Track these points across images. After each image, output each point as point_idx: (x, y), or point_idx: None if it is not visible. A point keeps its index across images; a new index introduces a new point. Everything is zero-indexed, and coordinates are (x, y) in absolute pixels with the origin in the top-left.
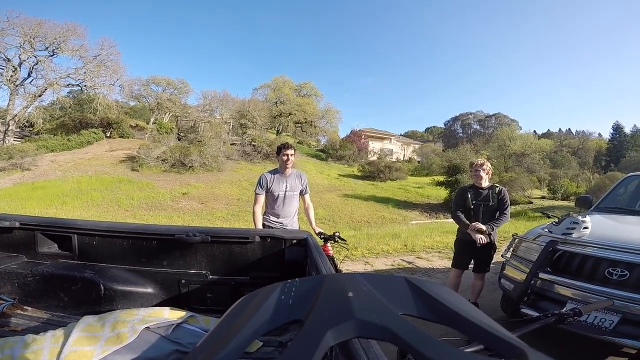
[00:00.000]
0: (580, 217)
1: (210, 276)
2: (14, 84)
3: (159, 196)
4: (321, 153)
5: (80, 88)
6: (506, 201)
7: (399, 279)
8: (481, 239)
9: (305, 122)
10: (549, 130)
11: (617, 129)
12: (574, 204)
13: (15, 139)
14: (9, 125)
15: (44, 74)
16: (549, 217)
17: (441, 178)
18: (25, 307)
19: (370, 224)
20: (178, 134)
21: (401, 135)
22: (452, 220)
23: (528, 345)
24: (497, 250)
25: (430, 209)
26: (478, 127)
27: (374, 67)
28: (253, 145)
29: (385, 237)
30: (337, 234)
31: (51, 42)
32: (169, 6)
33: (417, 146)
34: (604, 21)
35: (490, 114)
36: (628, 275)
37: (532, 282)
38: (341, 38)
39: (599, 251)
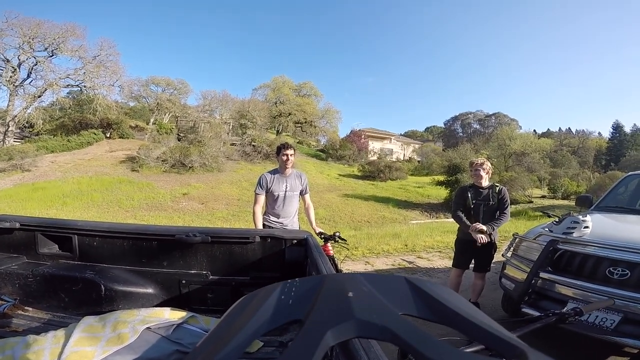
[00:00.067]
0: (580, 217)
1: (211, 276)
2: (14, 85)
3: (159, 197)
4: (321, 153)
5: (79, 89)
6: (506, 200)
7: (399, 279)
8: (482, 238)
9: (305, 122)
10: (548, 129)
11: (617, 128)
12: (574, 203)
13: (15, 140)
14: (8, 126)
15: (44, 75)
16: (549, 216)
17: (441, 178)
18: (26, 308)
19: (371, 223)
20: (178, 135)
21: (401, 135)
22: (452, 219)
23: (528, 345)
24: (497, 249)
25: (431, 208)
26: (478, 126)
27: (374, 67)
28: (253, 145)
29: (385, 237)
30: (337, 233)
31: (50, 42)
32: (169, 6)
33: (417, 146)
34: (603, 20)
35: (490, 113)
36: (629, 274)
37: (533, 281)
38: (341, 38)
39: (600, 250)
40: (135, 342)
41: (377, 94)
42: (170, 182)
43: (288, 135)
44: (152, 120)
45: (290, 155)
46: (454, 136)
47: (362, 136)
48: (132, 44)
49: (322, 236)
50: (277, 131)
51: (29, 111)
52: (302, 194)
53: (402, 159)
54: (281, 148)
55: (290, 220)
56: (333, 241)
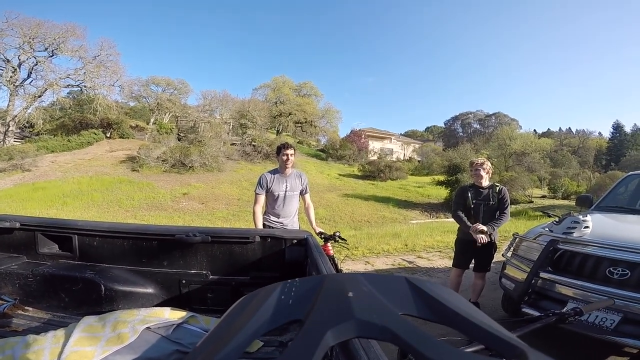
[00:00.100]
0: (581, 216)
1: (211, 276)
2: (14, 85)
3: (160, 196)
4: (321, 153)
5: (80, 89)
6: (506, 200)
7: (399, 279)
8: (482, 238)
9: (305, 122)
10: (549, 129)
11: (618, 127)
12: (574, 203)
13: (16, 140)
14: (9, 126)
15: (44, 75)
16: (549, 216)
17: (441, 177)
18: (26, 308)
19: (371, 223)
20: (178, 134)
21: (401, 134)
22: (452, 219)
23: (528, 345)
24: (497, 249)
25: (431, 208)
26: (478, 126)
27: (374, 67)
28: (253, 145)
29: (385, 237)
30: (337, 233)
31: (50, 42)
32: (169, 6)
33: (417, 145)
34: (603, 20)
35: (490, 113)
36: (629, 274)
37: (533, 281)
38: (341, 38)
39: (600, 250)
40: (135, 342)
41: (377, 94)
42: (171, 182)
43: (288, 135)
44: (152, 120)
45: (291, 155)
46: (454, 136)
47: (362, 136)
48: (132, 44)
49: (322, 236)
50: (277, 131)
51: (29, 111)
52: (302, 193)
53: (402, 158)
54: (281, 148)
55: (291, 220)
56: (333, 241)
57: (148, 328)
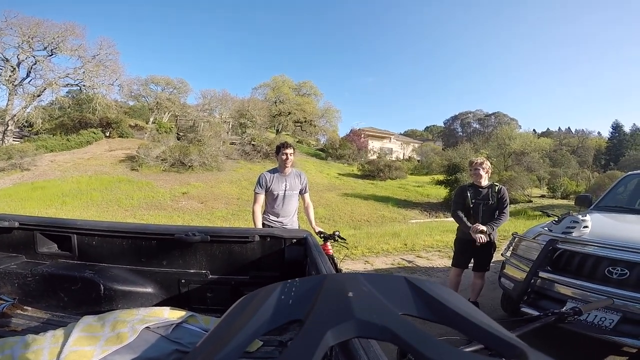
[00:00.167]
0: (580, 216)
1: (210, 276)
2: (13, 84)
3: (159, 196)
4: (321, 152)
5: (79, 88)
6: (506, 200)
7: (399, 278)
8: (481, 238)
9: (305, 122)
10: (548, 129)
11: (617, 127)
12: (573, 203)
13: (15, 139)
14: (8, 126)
15: (43, 74)
16: (548, 215)
17: (441, 177)
18: (25, 307)
19: (370, 223)
20: (177, 134)
21: (401, 134)
22: (452, 219)
23: (528, 345)
24: (497, 249)
25: (430, 207)
26: (478, 126)
27: (373, 67)
28: (252, 144)
29: (385, 236)
30: (337, 233)
31: (50, 42)
32: (169, 6)
33: (416, 145)
34: (603, 20)
35: (490, 112)
36: (628, 274)
37: (532, 281)
38: (341, 38)
39: (599, 250)
40: (134, 342)
41: (377, 93)
42: (170, 181)
43: (288, 134)
44: (151, 119)
45: (290, 154)
46: (453, 135)
47: (362, 135)
48: (132, 44)
49: (322, 235)
50: (277, 130)
51: (28, 110)
52: (301, 193)
53: (401, 158)
54: (281, 147)
55: (290, 220)
56: (333, 240)
57: (147, 328)
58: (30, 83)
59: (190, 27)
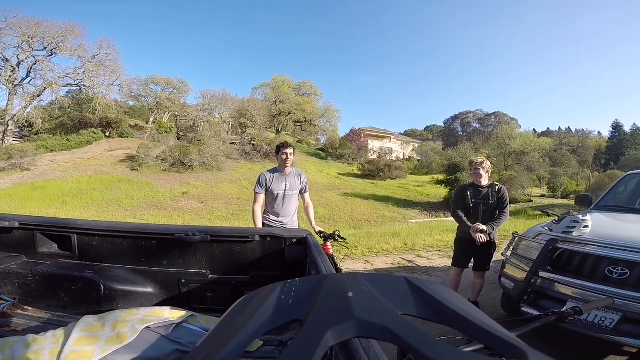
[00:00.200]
0: (580, 216)
1: (210, 275)
2: (13, 84)
3: (159, 196)
4: (321, 152)
5: (79, 88)
6: (506, 200)
7: (399, 278)
8: (481, 237)
9: (305, 121)
10: (548, 128)
11: (617, 127)
12: (573, 203)
13: (15, 139)
14: (8, 126)
15: (43, 74)
16: (549, 215)
17: (441, 177)
18: (25, 307)
19: (370, 222)
20: (177, 134)
21: (401, 134)
22: (452, 218)
23: (528, 345)
24: (497, 248)
25: (430, 207)
26: (478, 125)
27: (373, 67)
28: (253, 144)
29: (385, 236)
30: (337, 232)
31: (49, 42)
32: (169, 6)
33: (416, 145)
34: (603, 20)
35: (490, 112)
36: (628, 273)
37: (533, 280)
38: (341, 38)
39: (599, 250)
40: (134, 342)
41: (377, 93)
42: (170, 181)
43: (288, 134)
44: (151, 119)
45: (290, 154)
46: (453, 135)
47: (362, 135)
48: (132, 44)
49: (322, 235)
50: (277, 130)
51: (28, 110)
52: (301, 192)
53: (401, 158)
54: (281, 147)
55: (290, 219)
56: (333, 240)
57: (147, 327)
58: (30, 83)
59: (190, 27)
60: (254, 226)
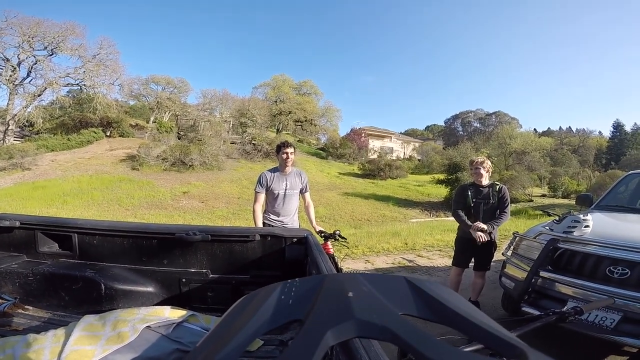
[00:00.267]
0: (581, 216)
1: (211, 275)
2: (13, 84)
3: (160, 195)
4: (321, 151)
5: (79, 87)
6: (506, 199)
7: (399, 278)
8: (481, 237)
9: (305, 121)
10: (549, 128)
11: (618, 127)
12: (574, 202)
13: (15, 139)
14: (8, 125)
15: (43, 74)
16: (549, 215)
17: (441, 176)
18: (26, 307)
19: (371, 222)
20: (178, 133)
21: (401, 133)
22: (452, 218)
23: (528, 345)
24: (497, 248)
25: (431, 207)
26: (478, 125)
27: (373, 67)
28: (253, 143)
29: (385, 236)
30: (337, 232)
31: (50, 41)
32: (169, 6)
33: (417, 144)
34: (603, 20)
35: (491, 112)
36: (629, 273)
37: (533, 280)
38: (341, 38)
39: (600, 249)
40: (135, 341)
41: (378, 93)
42: (171, 181)
43: (288, 133)
44: (152, 118)
45: (290, 153)
46: (454, 135)
47: (362, 134)
48: (132, 43)
49: (322, 234)
50: (277, 130)
51: (29, 110)
52: (302, 192)
53: (402, 157)
54: (281, 146)
55: (291, 219)
56: (333, 239)
57: (148, 327)
58: (31, 83)
59: (190, 27)
60: (254, 225)
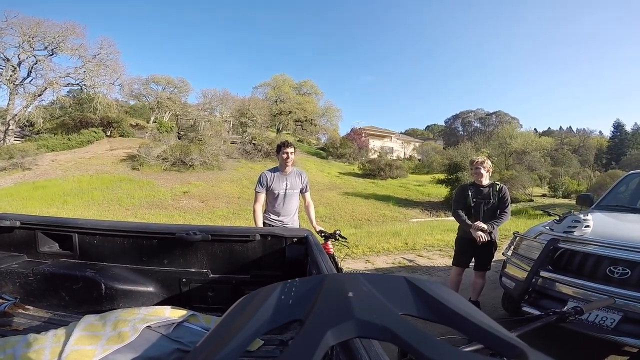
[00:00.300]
0: (581, 215)
1: (211, 275)
2: (14, 84)
3: (160, 195)
4: (321, 151)
5: (80, 87)
6: (507, 199)
7: (399, 279)
8: (481, 237)
9: (306, 121)
10: (549, 128)
11: (618, 126)
12: (575, 202)
13: (16, 139)
14: (9, 125)
15: (44, 74)
16: (550, 215)
17: (442, 176)
18: (26, 307)
19: (371, 222)
20: (178, 133)
21: (401, 133)
22: (452, 218)
23: (528, 345)
24: (498, 248)
25: (431, 206)
26: (479, 125)
27: (373, 66)
28: (253, 143)
29: (386, 235)
30: (337, 232)
31: (50, 41)
32: (169, 6)
33: (417, 144)
34: (603, 20)
35: (491, 112)
36: (629, 273)
37: (534, 280)
38: (341, 38)
39: (601, 249)
40: (135, 341)
41: (378, 93)
42: (171, 181)
43: (288, 133)
44: (152, 118)
45: (291, 153)
46: (454, 134)
47: (363, 134)
48: (132, 43)
49: (323, 234)
50: (278, 129)
51: (29, 110)
52: (302, 192)
53: (402, 157)
54: (281, 146)
55: (291, 219)
56: (333, 239)
57: (148, 327)
58: (31, 83)
59: (190, 27)
60: (254, 225)
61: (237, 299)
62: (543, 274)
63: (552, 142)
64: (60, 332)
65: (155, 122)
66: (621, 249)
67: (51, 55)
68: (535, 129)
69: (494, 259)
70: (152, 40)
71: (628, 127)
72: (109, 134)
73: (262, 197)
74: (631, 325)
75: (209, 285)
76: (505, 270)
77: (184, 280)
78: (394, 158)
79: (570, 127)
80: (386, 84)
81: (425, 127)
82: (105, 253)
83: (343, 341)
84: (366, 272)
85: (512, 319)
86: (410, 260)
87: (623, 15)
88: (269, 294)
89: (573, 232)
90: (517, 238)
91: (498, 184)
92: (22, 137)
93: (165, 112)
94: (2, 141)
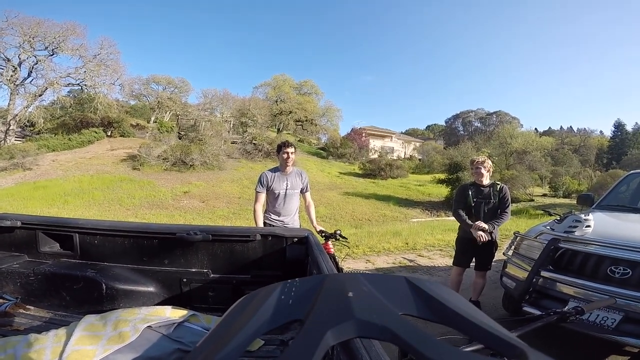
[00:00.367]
0: (582, 215)
1: (212, 275)
2: (14, 84)
3: (160, 195)
4: (322, 151)
5: (80, 87)
6: (507, 199)
7: (399, 278)
8: (482, 237)
9: (306, 120)
10: (550, 127)
11: (619, 126)
12: (575, 202)
13: (16, 139)
14: (9, 125)
15: (44, 74)
16: (550, 214)
17: (442, 176)
18: (27, 307)
19: (372, 221)
20: (179, 133)
21: (402, 133)
22: (453, 218)
23: (528, 345)
24: (498, 248)
25: (432, 206)
26: (479, 124)
27: (374, 66)
28: (254, 143)
29: (386, 235)
30: (338, 232)
31: (51, 41)
32: (169, 6)
33: (418, 144)
34: (603, 20)
35: (491, 111)
36: (630, 273)
37: (534, 280)
38: (341, 38)
39: (601, 249)
40: (136, 341)
41: (378, 93)
42: (171, 181)
43: (289, 133)
44: (152, 118)
45: (291, 153)
46: (455, 134)
47: (363, 134)
48: (133, 43)
49: (323, 234)
50: (278, 129)
51: (29, 110)
52: (302, 192)
53: (402, 157)
54: (282, 146)
55: (291, 219)
56: (334, 239)
57: (149, 327)
58: (32, 83)
59: (190, 27)
60: (255, 225)
61: (237, 299)
62: (544, 273)
63: (553, 142)
64: (61, 332)
65: (155, 122)
66: (622, 248)
67: (52, 55)
68: (535, 128)
69: (494, 259)
70: (152, 40)
71: (629, 127)
72: (109, 134)
73: (263, 197)
74: (632, 325)
75: (210, 285)
76: (506, 270)
77: (184, 280)
78: (395, 158)
79: (570, 126)
80: (386, 84)
81: (426, 127)
82: (106, 253)
83: (343, 341)
84: (366, 272)
85: (513, 319)
86: (411, 260)
87: (623, 15)
88: (269, 294)
89: (574, 232)
90: (518, 238)
91: (499, 184)
92: (23, 137)
93: (166, 112)
94: (3, 141)
